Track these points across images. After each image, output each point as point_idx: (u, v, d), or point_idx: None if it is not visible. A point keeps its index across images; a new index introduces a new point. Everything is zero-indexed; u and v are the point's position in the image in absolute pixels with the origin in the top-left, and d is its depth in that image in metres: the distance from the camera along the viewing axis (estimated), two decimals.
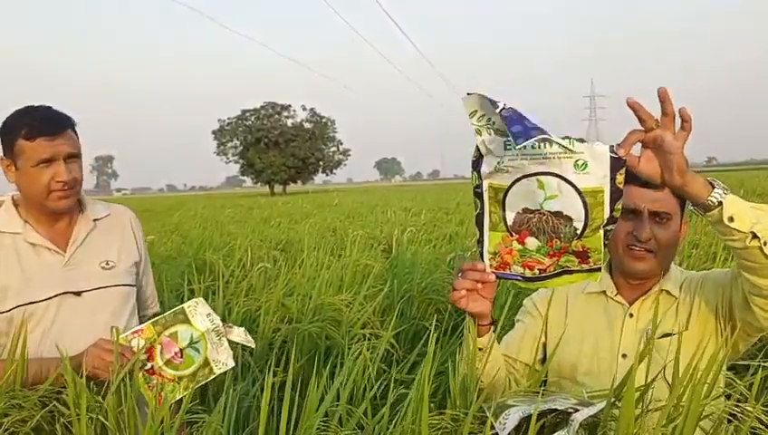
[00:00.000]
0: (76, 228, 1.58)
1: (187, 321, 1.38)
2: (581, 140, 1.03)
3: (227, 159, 58.89)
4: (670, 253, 1.35)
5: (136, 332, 1.40)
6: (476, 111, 1.06)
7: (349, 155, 62.27)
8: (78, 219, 1.59)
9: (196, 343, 1.36)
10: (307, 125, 59.51)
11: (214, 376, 1.37)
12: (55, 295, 1.49)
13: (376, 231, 5.88)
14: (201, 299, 1.43)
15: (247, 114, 58.78)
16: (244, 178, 64.89)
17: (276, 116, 59.01)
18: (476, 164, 1.11)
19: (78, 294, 1.51)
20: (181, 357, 1.35)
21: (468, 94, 1.05)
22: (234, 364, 1.37)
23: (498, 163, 1.07)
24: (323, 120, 60.11)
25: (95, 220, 1.61)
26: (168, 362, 1.35)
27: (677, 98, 1.02)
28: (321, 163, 59.52)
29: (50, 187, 1.47)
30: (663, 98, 1.00)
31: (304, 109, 60.53)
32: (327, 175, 62.56)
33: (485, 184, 1.11)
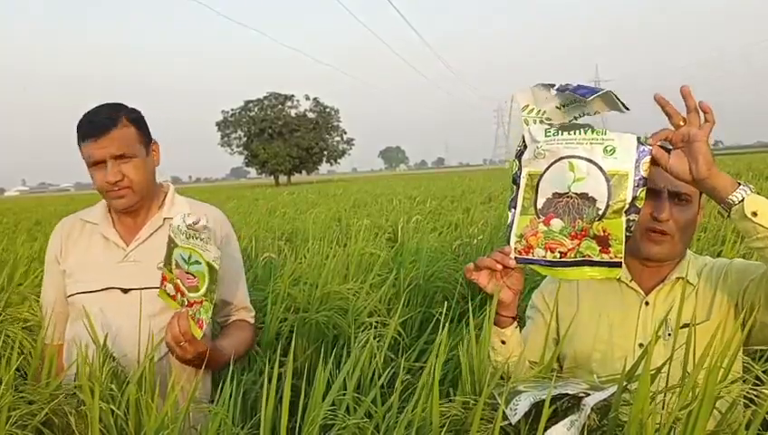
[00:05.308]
0: (145, 226, 1.58)
1: (176, 245, 1.37)
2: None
3: (231, 150, 58.94)
4: (687, 236, 1.33)
5: (163, 282, 1.41)
6: (528, 105, 1.16)
7: (353, 144, 62.21)
8: (151, 216, 1.59)
9: (191, 257, 1.34)
10: (311, 115, 59.42)
11: (218, 269, 1.34)
12: (102, 289, 1.53)
13: (381, 220, 5.87)
14: (176, 216, 1.37)
15: (250, 105, 58.73)
16: (249, 169, 64.95)
17: (280, 106, 58.93)
18: (520, 153, 1.19)
19: (125, 291, 1.53)
20: (194, 277, 1.34)
21: (521, 90, 1.16)
22: (219, 251, 1.33)
23: (537, 148, 1.15)
24: (327, 110, 59.99)
25: (166, 219, 1.58)
26: (190, 289, 1.35)
27: (683, 83, 1.10)
28: (325, 153, 59.48)
29: (104, 187, 1.50)
30: (685, 95, 1.07)
31: (308, 98, 60.44)
32: (331, 165, 62.56)
33: (524, 172, 1.18)
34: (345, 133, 61.28)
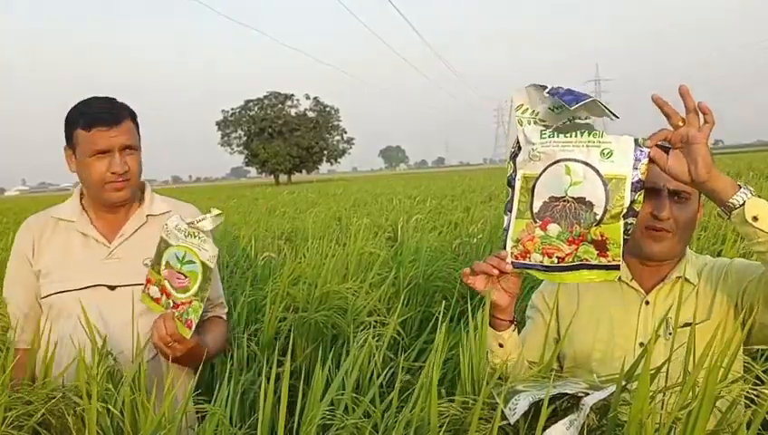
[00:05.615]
0: (128, 222, 1.57)
1: (168, 245, 1.38)
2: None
3: (231, 149, 58.93)
4: (687, 234, 1.33)
5: (147, 286, 1.42)
6: (523, 104, 1.14)
7: (353, 144, 62.18)
8: (134, 213, 1.58)
9: (185, 257, 1.36)
10: (311, 114, 59.39)
11: (213, 268, 1.36)
12: (89, 286, 1.50)
13: (381, 219, 5.86)
14: (171, 218, 1.40)
15: (251, 104, 58.71)
16: (249, 168, 64.96)
17: (280, 106, 58.91)
18: (514, 154, 1.17)
19: (112, 288, 1.51)
20: (186, 277, 1.36)
21: (517, 90, 1.14)
22: (216, 249, 1.35)
23: (532, 150, 1.12)
24: (327, 109, 59.97)
25: (149, 215, 1.58)
26: (179, 290, 1.37)
27: (684, 82, 1.08)
28: (325, 152, 59.45)
29: (105, 178, 1.48)
30: (684, 94, 1.05)
31: (308, 98, 60.39)
32: (332, 164, 62.53)
33: (519, 174, 1.16)
34: (345, 133, 61.30)
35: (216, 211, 1.38)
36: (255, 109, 58.52)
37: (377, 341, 1.59)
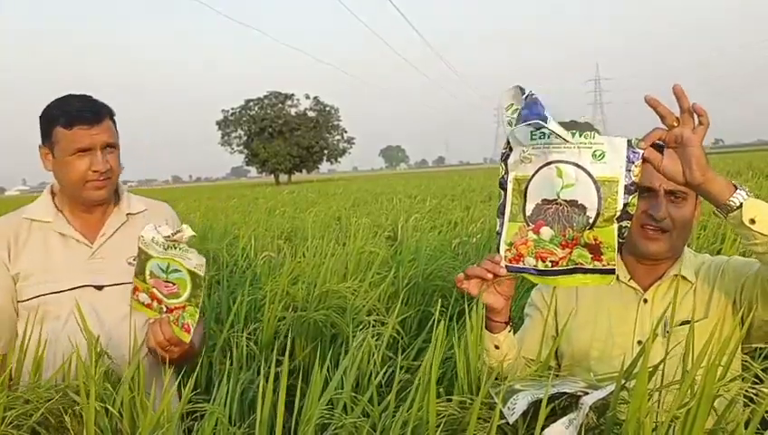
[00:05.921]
0: (108, 221, 1.55)
1: (149, 257, 1.38)
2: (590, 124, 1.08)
3: (232, 149, 58.90)
4: (684, 234, 1.32)
5: (135, 293, 1.42)
6: (512, 104, 1.11)
7: (353, 143, 62.16)
8: (111, 212, 1.57)
9: (170, 267, 1.36)
10: (311, 114, 59.35)
11: (204, 276, 1.36)
12: (76, 287, 1.48)
13: (380, 219, 5.86)
14: (145, 229, 1.40)
15: (251, 104, 58.67)
16: (249, 168, 64.95)
17: (280, 105, 58.87)
18: (505, 156, 1.15)
19: (99, 288, 1.50)
20: (174, 284, 1.36)
21: (505, 90, 1.12)
22: (203, 258, 1.35)
23: (523, 152, 1.11)
24: (327, 109, 59.95)
25: (129, 214, 1.58)
26: (169, 296, 1.37)
27: (684, 82, 1.06)
28: (325, 152, 59.43)
29: (86, 176, 1.46)
30: (678, 95, 1.03)
31: (308, 97, 60.36)
32: (332, 163, 62.49)
33: (511, 176, 1.15)
34: (345, 132, 61.28)
35: (188, 230, 1.36)
36: (256, 108, 58.47)
37: (376, 340, 1.59)
